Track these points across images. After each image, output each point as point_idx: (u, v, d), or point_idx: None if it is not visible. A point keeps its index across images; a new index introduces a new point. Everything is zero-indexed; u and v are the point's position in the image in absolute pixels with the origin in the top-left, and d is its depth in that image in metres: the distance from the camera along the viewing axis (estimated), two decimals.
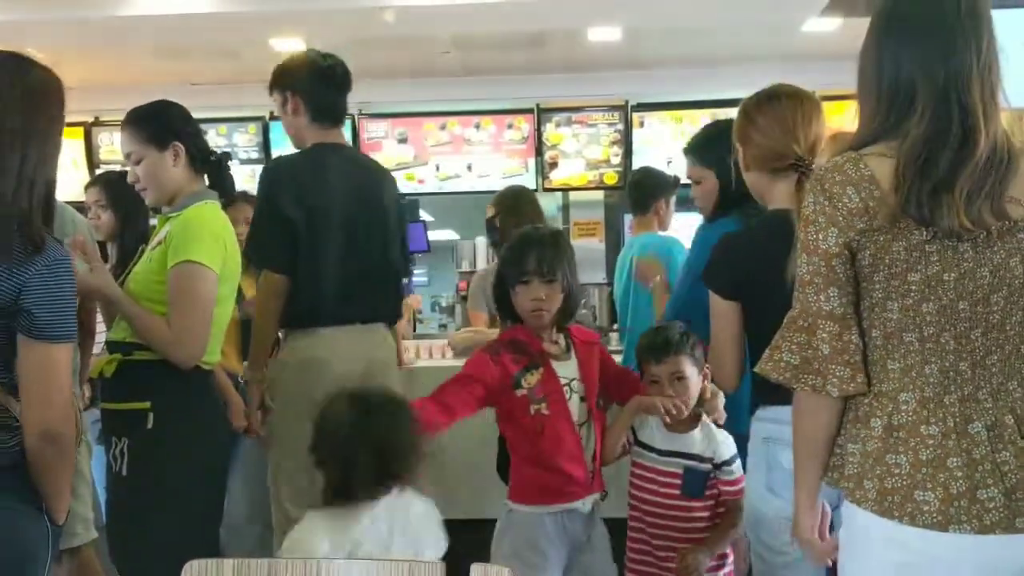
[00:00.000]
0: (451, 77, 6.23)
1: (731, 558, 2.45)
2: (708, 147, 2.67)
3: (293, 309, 2.71)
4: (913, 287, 1.45)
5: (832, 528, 1.65)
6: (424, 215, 7.20)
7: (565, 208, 6.55)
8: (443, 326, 8.06)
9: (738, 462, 2.36)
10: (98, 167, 6.08)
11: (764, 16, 5.00)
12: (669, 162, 5.46)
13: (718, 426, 2.43)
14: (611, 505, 2.45)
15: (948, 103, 1.43)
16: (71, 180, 6.01)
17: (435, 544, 1.88)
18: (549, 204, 6.65)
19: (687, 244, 4.07)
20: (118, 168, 3.44)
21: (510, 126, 5.97)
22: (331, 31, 5.27)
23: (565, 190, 6.18)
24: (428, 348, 4.87)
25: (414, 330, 6.13)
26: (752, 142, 2.09)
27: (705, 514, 2.38)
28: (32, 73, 1.71)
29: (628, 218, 5.38)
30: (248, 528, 3.26)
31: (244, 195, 3.99)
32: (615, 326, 4.87)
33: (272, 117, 6.05)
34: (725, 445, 2.39)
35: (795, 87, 2.11)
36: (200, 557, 1.38)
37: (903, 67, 1.48)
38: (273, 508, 2.73)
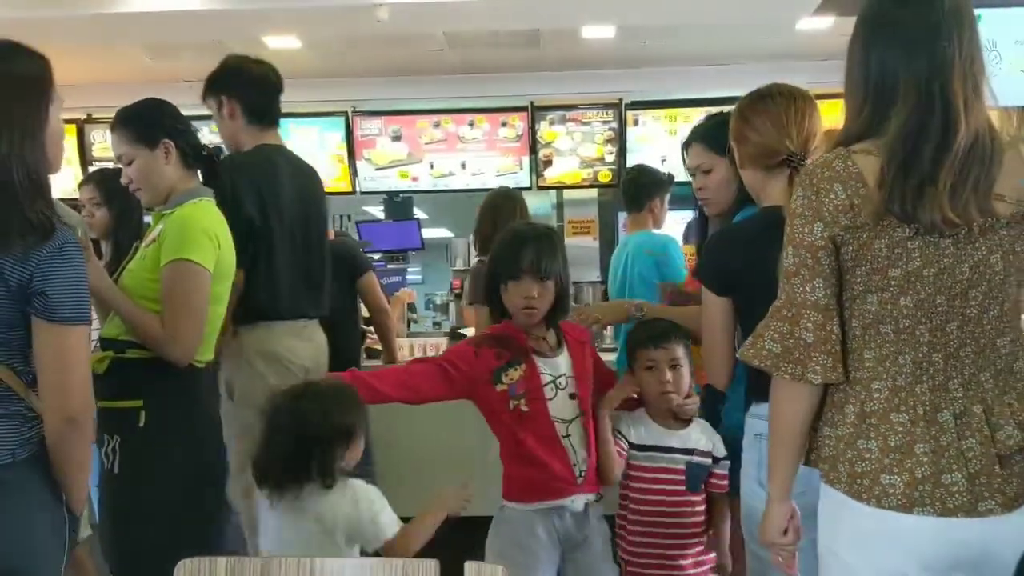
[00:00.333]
0: (445, 75, 6.22)
1: (713, 554, 2.47)
2: (721, 133, 2.38)
3: (249, 305, 2.76)
4: (893, 282, 1.50)
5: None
6: (418, 213, 7.20)
7: (559, 206, 6.55)
8: (437, 324, 8.05)
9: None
10: (91, 164, 6.06)
11: (758, 14, 5.00)
12: (663, 160, 5.46)
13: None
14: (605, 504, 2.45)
15: (932, 98, 1.47)
16: (64, 177, 6.00)
17: (385, 526, 1.99)
18: (543, 202, 6.66)
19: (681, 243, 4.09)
20: (111, 165, 3.43)
21: (504, 124, 5.96)
22: (324, 28, 5.27)
23: (559, 188, 6.18)
24: (422, 346, 4.87)
25: (408, 328, 6.13)
26: (747, 140, 2.11)
27: (702, 507, 2.41)
28: (16, 60, 1.70)
29: (622, 216, 5.38)
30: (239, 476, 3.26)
31: None
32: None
33: None
34: (719, 439, 2.42)
35: (790, 86, 2.13)
36: (193, 555, 1.38)
37: (888, 65, 1.51)
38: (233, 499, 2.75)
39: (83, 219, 2.95)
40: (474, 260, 4.67)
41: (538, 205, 6.47)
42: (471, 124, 5.96)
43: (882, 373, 1.52)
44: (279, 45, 5.55)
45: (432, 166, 6.02)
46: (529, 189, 5.99)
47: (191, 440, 2.28)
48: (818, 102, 2.15)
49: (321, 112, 6.05)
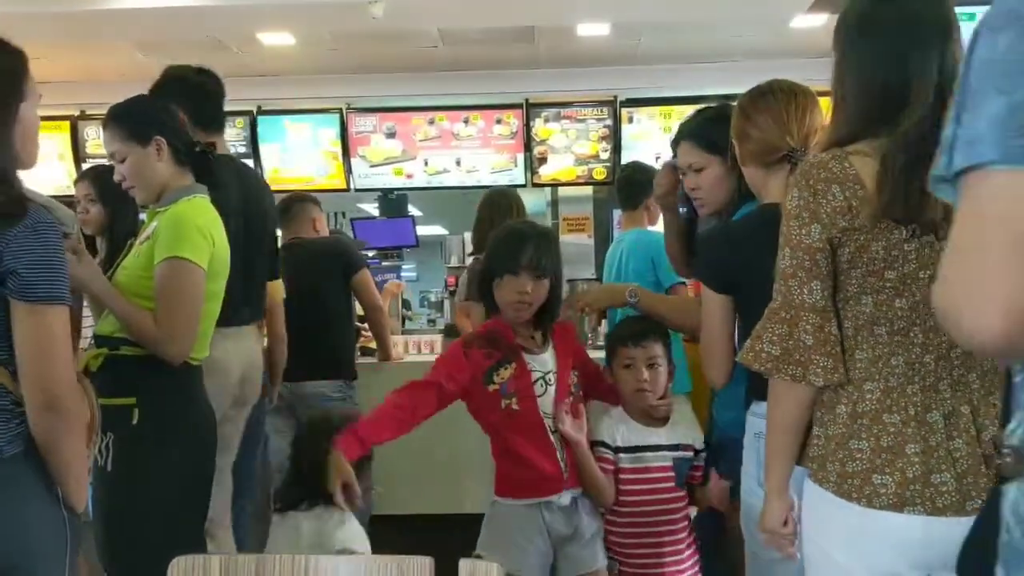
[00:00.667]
0: (440, 72, 6.21)
1: (698, 556, 2.48)
2: (710, 129, 2.35)
3: None
4: (888, 283, 1.50)
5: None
6: (412, 210, 7.20)
7: (554, 203, 6.55)
8: (431, 321, 8.05)
9: None
10: (84, 161, 6.04)
11: (753, 12, 5.01)
12: (658, 158, 5.46)
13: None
14: None
15: (944, 99, 1.45)
16: (57, 174, 5.98)
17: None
18: (538, 199, 6.66)
19: None
20: (105, 162, 3.42)
21: (499, 121, 5.95)
22: (319, 25, 5.26)
23: (554, 185, 6.18)
24: (416, 343, 4.87)
25: (403, 325, 6.13)
26: (749, 138, 2.10)
27: (685, 500, 2.43)
28: None
29: (617, 214, 5.38)
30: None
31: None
32: (603, 321, 4.87)
33: (260, 112, 6.03)
34: (699, 431, 2.47)
35: (790, 82, 2.13)
36: (186, 553, 1.37)
37: (896, 65, 1.50)
38: None
39: (78, 215, 2.94)
40: (469, 259, 4.68)
41: (533, 202, 6.46)
42: (466, 121, 5.95)
43: (875, 374, 1.53)
44: (273, 41, 5.54)
45: (427, 163, 6.01)
46: (524, 186, 5.98)
47: (185, 438, 2.27)
48: None
49: (315, 109, 6.04)
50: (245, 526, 3.27)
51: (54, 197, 2.74)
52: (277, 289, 3.42)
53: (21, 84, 1.71)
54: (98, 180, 3.12)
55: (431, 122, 5.97)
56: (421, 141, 5.99)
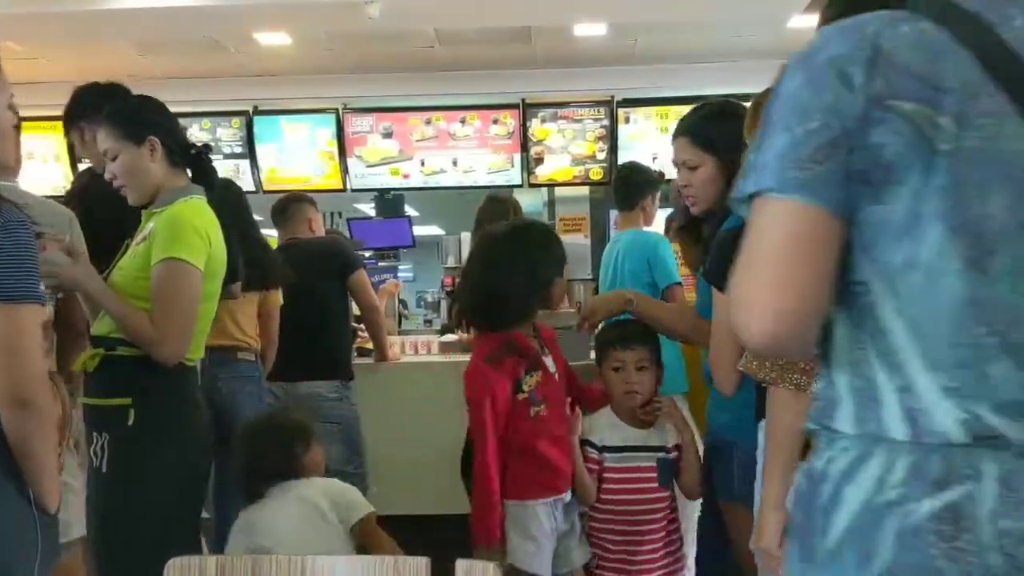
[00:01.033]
0: (436, 72, 6.21)
1: (689, 560, 2.49)
2: (707, 128, 2.33)
3: None
4: None
5: None
6: (409, 210, 7.19)
7: (551, 204, 6.55)
8: (428, 322, 8.04)
9: None
10: (80, 161, 6.02)
11: (749, 12, 5.01)
12: (654, 158, 5.47)
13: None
14: None
15: None
16: (54, 174, 5.97)
17: (361, 505, 2.39)
18: (534, 199, 6.66)
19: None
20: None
21: (495, 121, 5.95)
22: (315, 25, 5.26)
23: (550, 186, 6.18)
24: (413, 344, 4.87)
25: (399, 325, 6.12)
26: None
27: (668, 500, 2.45)
28: None
29: (613, 214, 5.38)
30: None
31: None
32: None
33: (256, 112, 6.02)
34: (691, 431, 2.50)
35: None
36: (181, 554, 1.37)
37: None
38: None
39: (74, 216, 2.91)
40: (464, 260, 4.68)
41: (529, 202, 6.46)
42: (462, 121, 5.95)
43: None
44: (270, 41, 5.53)
45: (423, 163, 6.01)
46: (520, 186, 5.98)
47: (180, 438, 2.27)
48: None
49: (312, 109, 6.04)
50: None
51: (51, 197, 2.74)
52: (274, 297, 3.43)
53: None
54: (79, 185, 3.11)
55: (428, 122, 5.97)
56: (418, 141, 5.99)
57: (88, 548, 2.37)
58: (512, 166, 5.97)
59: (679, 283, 3.71)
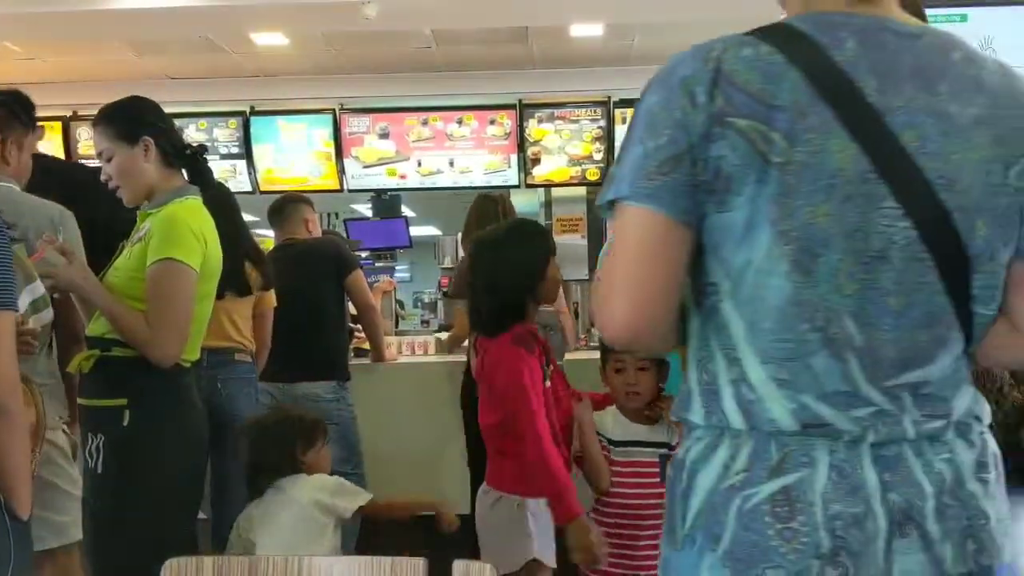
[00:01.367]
0: (433, 72, 6.21)
1: None
2: None
3: None
4: None
5: None
6: (406, 211, 7.18)
7: (547, 204, 6.54)
8: (425, 322, 8.04)
9: None
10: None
11: (746, 13, 4.99)
12: None
13: None
14: None
15: None
16: None
17: (352, 499, 2.45)
18: (531, 200, 6.66)
19: None
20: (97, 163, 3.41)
21: (492, 122, 5.95)
22: (312, 25, 5.25)
23: (547, 186, 6.18)
24: (410, 344, 4.86)
25: (396, 326, 6.12)
26: None
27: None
28: None
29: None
30: None
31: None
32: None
33: (253, 112, 6.02)
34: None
35: None
36: (178, 555, 1.37)
37: None
38: None
39: (69, 214, 2.91)
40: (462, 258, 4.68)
41: (526, 203, 6.46)
42: (459, 122, 5.95)
43: None
44: (266, 42, 5.53)
45: (420, 164, 6.00)
46: (517, 187, 5.98)
47: (175, 439, 2.26)
48: None
49: (308, 109, 6.03)
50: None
51: (33, 191, 2.72)
52: (269, 299, 3.43)
53: None
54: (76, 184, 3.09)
55: (424, 123, 5.96)
56: (414, 142, 5.98)
57: (84, 550, 2.37)
58: (509, 166, 5.97)
59: None
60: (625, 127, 5.63)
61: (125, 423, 2.19)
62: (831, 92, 1.01)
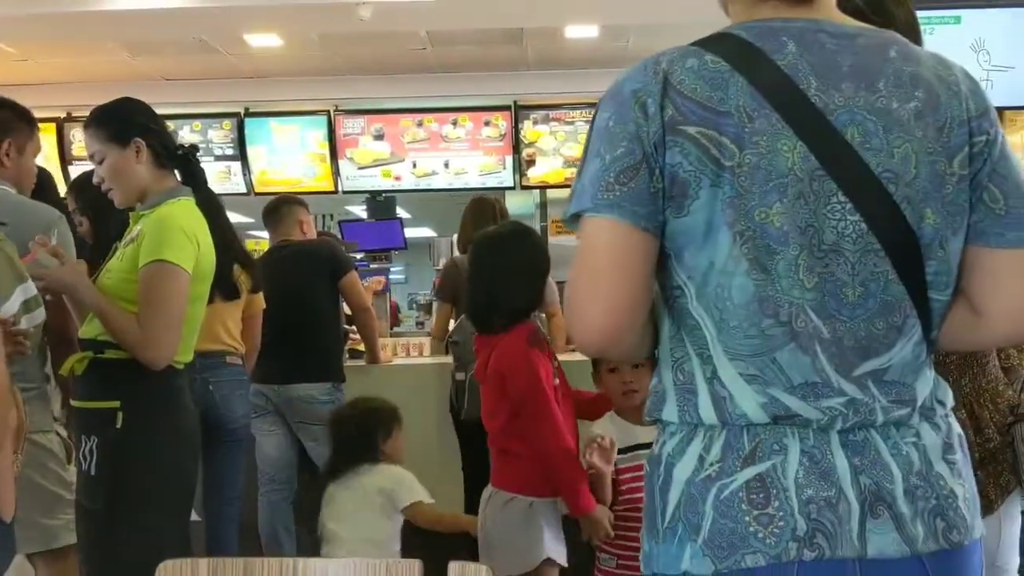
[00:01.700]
0: (428, 73, 6.21)
1: None
2: None
3: None
4: None
5: None
6: (401, 212, 7.18)
7: (543, 206, 6.55)
8: (420, 324, 8.03)
9: None
10: (70, 163, 6.02)
11: None
12: None
13: None
14: None
15: None
16: None
17: (408, 493, 2.66)
18: (526, 201, 6.66)
19: None
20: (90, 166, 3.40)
21: (487, 123, 5.95)
22: (306, 26, 5.25)
23: (543, 187, 6.18)
24: (405, 346, 4.86)
25: (391, 328, 6.11)
26: None
27: None
28: None
29: None
30: None
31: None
32: None
33: (247, 113, 6.01)
34: None
35: None
36: (172, 556, 1.36)
37: None
38: None
39: (60, 216, 2.91)
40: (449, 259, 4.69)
41: (521, 204, 6.47)
42: (454, 123, 5.95)
43: None
44: (260, 43, 5.53)
45: (415, 165, 6.00)
46: (512, 188, 5.99)
47: (169, 441, 2.25)
48: None
49: (303, 111, 6.03)
50: (228, 525, 3.27)
51: (37, 196, 2.72)
52: (258, 301, 3.43)
53: None
54: (75, 191, 3.09)
55: (419, 124, 5.96)
56: (409, 143, 5.98)
57: (79, 553, 2.36)
58: (504, 168, 5.97)
59: None
60: None
61: (118, 425, 2.17)
62: (775, 95, 1.05)
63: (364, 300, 4.03)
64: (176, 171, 2.41)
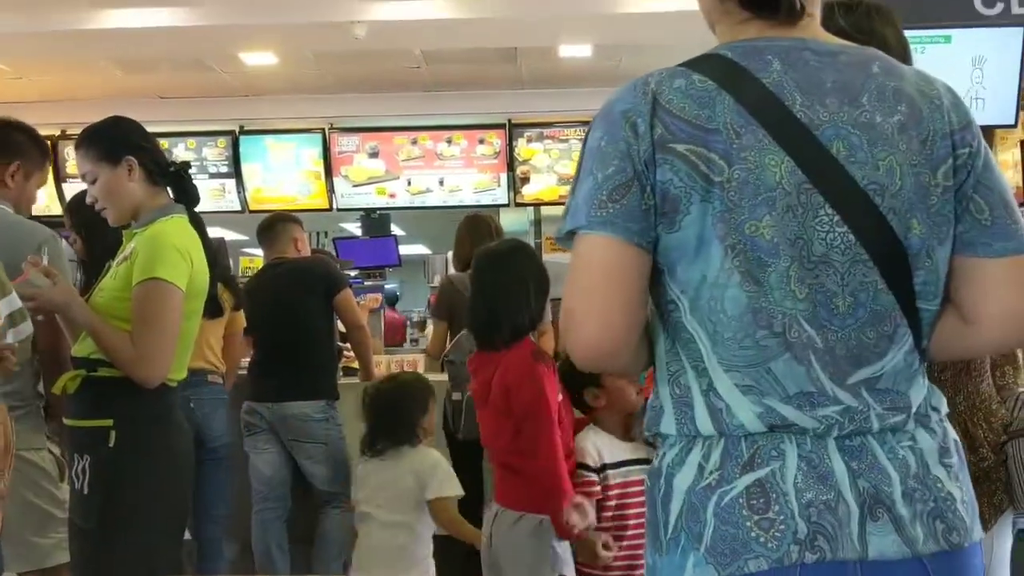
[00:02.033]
0: (422, 92, 6.24)
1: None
2: None
3: None
4: None
5: None
6: (395, 229, 7.19)
7: (537, 223, 6.56)
8: (414, 341, 8.02)
9: None
10: (64, 181, 6.01)
11: None
12: None
13: None
14: None
15: None
16: (38, 194, 5.94)
17: (439, 486, 2.67)
18: (521, 218, 6.67)
19: None
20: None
21: (482, 141, 5.97)
22: (301, 45, 5.27)
23: (537, 205, 6.20)
24: (399, 363, 4.85)
25: (385, 345, 6.10)
26: None
27: None
28: None
29: None
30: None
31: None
32: None
33: (243, 131, 6.02)
34: None
35: None
36: (165, 575, 1.36)
37: None
38: None
39: (54, 236, 2.90)
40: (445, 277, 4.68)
41: (516, 221, 6.48)
42: (449, 141, 5.97)
43: None
44: (256, 61, 5.54)
45: (410, 183, 6.01)
46: (507, 206, 6.00)
47: (162, 459, 2.24)
48: None
49: (298, 129, 6.04)
50: (216, 544, 3.26)
51: (32, 217, 2.72)
52: (239, 320, 3.43)
53: None
54: (70, 211, 3.10)
55: (414, 142, 5.98)
56: (404, 161, 6.00)
57: (72, 571, 2.34)
58: (498, 185, 5.99)
59: None
60: None
61: (111, 444, 2.16)
62: (761, 112, 1.08)
63: (358, 318, 4.03)
64: (168, 188, 2.41)
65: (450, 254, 7.27)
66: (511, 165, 5.95)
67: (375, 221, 6.67)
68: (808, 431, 1.08)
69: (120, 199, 2.31)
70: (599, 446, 2.42)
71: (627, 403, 2.45)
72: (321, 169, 5.99)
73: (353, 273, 6.16)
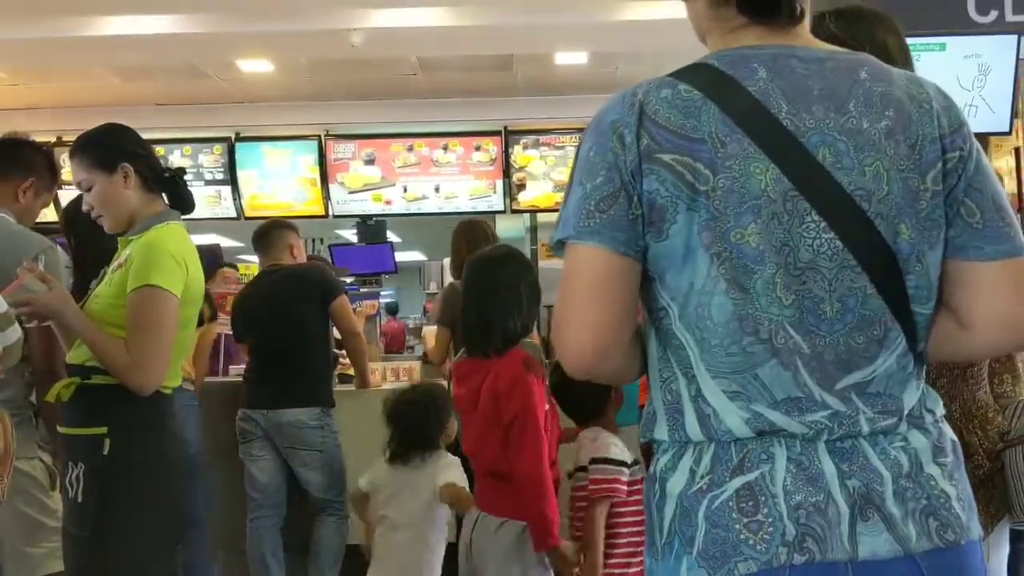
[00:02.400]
0: (418, 99, 6.24)
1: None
2: None
3: None
4: None
5: None
6: (391, 236, 7.19)
7: (533, 230, 6.57)
8: (410, 347, 8.02)
9: None
10: (60, 188, 5.99)
11: None
12: None
13: None
14: None
15: None
16: None
17: (446, 476, 2.69)
18: (516, 225, 6.68)
19: None
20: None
21: (478, 148, 5.98)
22: (297, 52, 5.27)
23: (533, 211, 6.21)
24: (395, 370, 4.84)
25: (385, 352, 6.10)
26: None
27: None
28: None
29: None
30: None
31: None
32: None
33: (239, 138, 6.02)
34: None
35: None
36: None
37: None
38: None
39: (52, 246, 2.90)
40: (448, 283, 4.68)
41: (511, 228, 6.49)
42: (445, 148, 5.97)
43: None
44: (252, 68, 5.55)
45: (405, 189, 6.02)
46: (503, 212, 6.00)
47: (157, 467, 2.23)
48: None
49: (294, 135, 6.04)
50: (197, 552, 3.25)
51: (26, 226, 2.72)
52: (213, 330, 3.45)
53: None
54: (67, 217, 3.10)
55: (410, 149, 5.98)
56: (400, 168, 6.00)
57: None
58: (494, 192, 5.99)
59: None
60: None
61: (105, 452, 2.16)
62: (747, 121, 1.09)
63: (354, 324, 4.02)
64: (164, 195, 2.40)
65: (446, 261, 7.29)
66: (507, 172, 5.96)
67: (371, 228, 6.67)
68: (797, 436, 1.09)
69: (116, 206, 2.31)
70: (614, 444, 2.46)
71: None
72: (317, 176, 5.99)
73: (349, 280, 6.16)
